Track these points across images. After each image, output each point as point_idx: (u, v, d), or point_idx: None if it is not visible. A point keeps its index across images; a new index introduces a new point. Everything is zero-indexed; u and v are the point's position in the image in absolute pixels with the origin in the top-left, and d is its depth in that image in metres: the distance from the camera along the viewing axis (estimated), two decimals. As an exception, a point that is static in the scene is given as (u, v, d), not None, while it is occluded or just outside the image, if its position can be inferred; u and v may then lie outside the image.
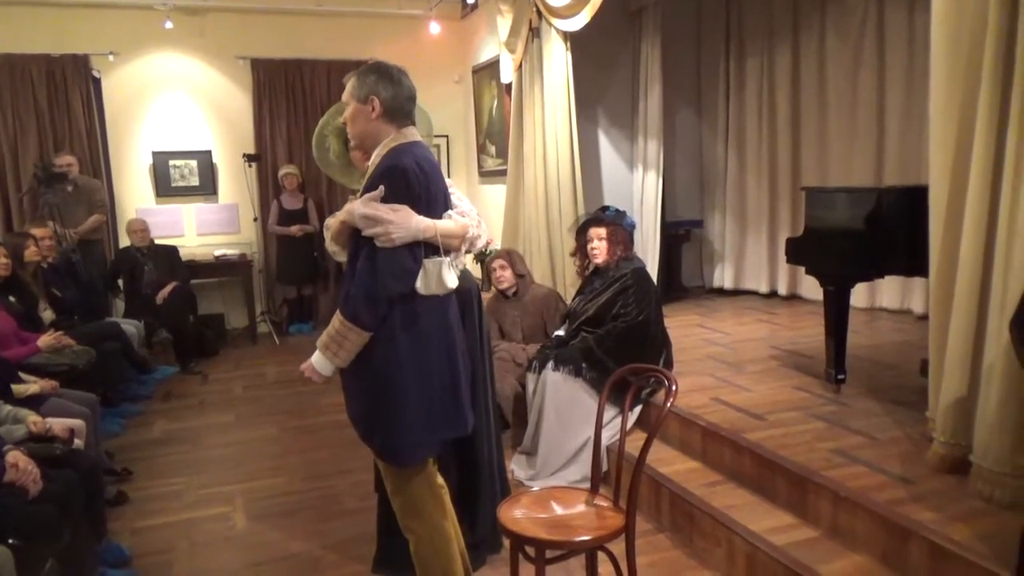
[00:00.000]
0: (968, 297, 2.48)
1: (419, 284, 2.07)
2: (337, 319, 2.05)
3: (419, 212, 2.06)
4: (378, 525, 2.78)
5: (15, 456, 2.49)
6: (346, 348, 2.05)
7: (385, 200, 2.02)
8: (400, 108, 2.15)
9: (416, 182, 2.06)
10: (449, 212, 2.19)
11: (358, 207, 2.03)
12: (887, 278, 4.34)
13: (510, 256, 4.38)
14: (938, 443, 2.63)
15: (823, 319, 3.65)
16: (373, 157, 2.17)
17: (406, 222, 2.02)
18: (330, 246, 2.36)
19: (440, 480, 2.33)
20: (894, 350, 4.28)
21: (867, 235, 3.41)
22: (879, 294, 5.33)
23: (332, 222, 2.31)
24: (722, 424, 3.27)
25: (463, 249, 2.24)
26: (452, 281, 2.13)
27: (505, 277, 4.29)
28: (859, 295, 5.09)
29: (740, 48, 6.28)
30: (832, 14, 5.45)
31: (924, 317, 4.92)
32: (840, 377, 3.58)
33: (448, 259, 2.11)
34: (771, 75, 5.99)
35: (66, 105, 6.58)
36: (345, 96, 2.21)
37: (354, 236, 2.10)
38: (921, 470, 2.68)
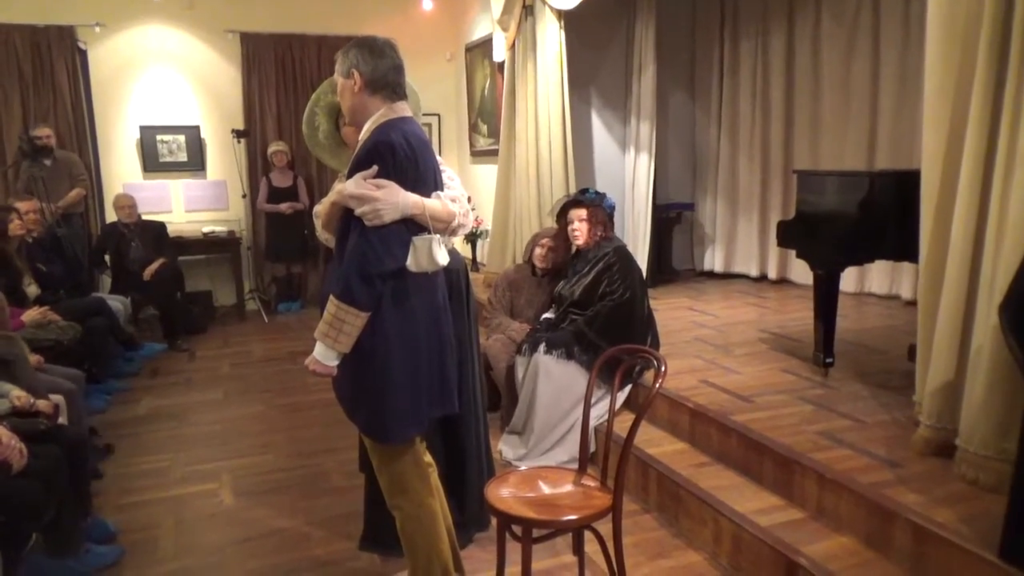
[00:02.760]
0: (958, 282, 2.48)
1: (409, 261, 2.04)
2: (332, 304, 2.00)
3: (407, 189, 2.03)
4: (365, 502, 2.77)
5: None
6: (345, 332, 2.00)
7: (374, 177, 2.00)
8: (382, 79, 2.10)
9: (404, 157, 2.03)
10: (438, 193, 2.15)
11: (349, 187, 2.00)
12: (876, 263, 4.35)
13: (557, 241, 4.11)
14: (924, 427, 2.65)
15: (812, 303, 3.66)
16: (362, 133, 2.13)
17: (393, 198, 1.99)
18: (321, 234, 2.32)
19: (428, 458, 2.33)
20: (882, 335, 4.30)
21: (858, 219, 3.41)
22: (868, 279, 5.35)
23: (321, 209, 2.27)
24: (710, 406, 3.28)
25: (446, 234, 2.21)
26: (443, 258, 2.10)
27: (550, 258, 4.09)
28: (848, 280, 5.10)
29: (734, 30, 6.24)
30: (828, -3, 5.43)
31: (912, 303, 4.94)
32: (828, 361, 3.60)
33: (437, 236, 2.08)
34: (765, 58, 5.97)
35: (51, 77, 6.47)
36: (335, 74, 2.19)
37: (344, 216, 2.07)
38: (906, 453, 2.70)
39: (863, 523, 2.45)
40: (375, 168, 2.00)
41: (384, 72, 2.10)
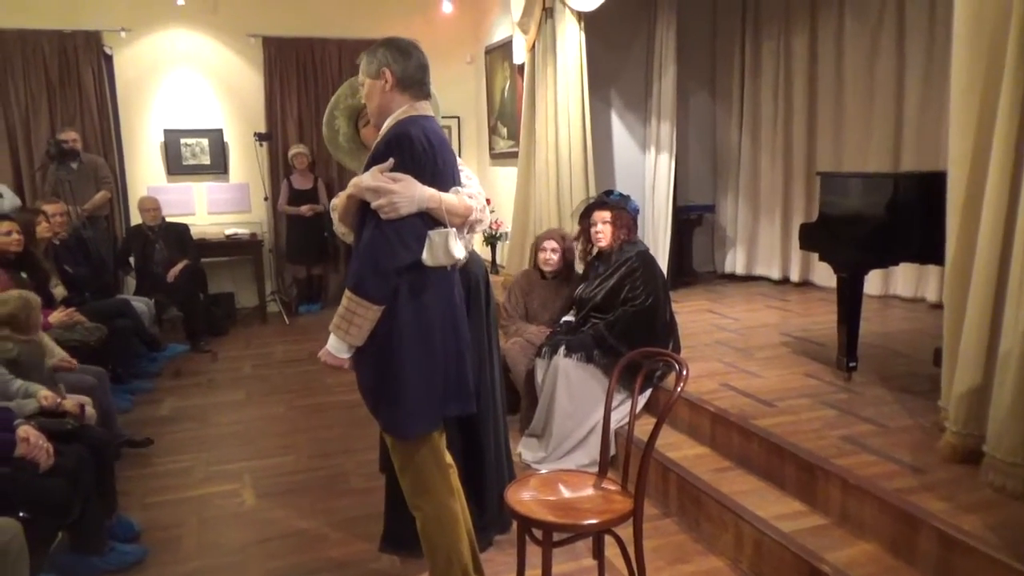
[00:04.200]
0: (985, 285, 2.44)
1: (425, 255, 2.04)
2: (346, 296, 2.01)
3: (424, 183, 2.02)
4: (386, 504, 2.78)
5: (26, 430, 2.50)
6: (357, 324, 2.01)
7: (392, 170, 2.00)
8: (412, 77, 2.12)
9: (421, 151, 2.03)
10: (456, 188, 2.16)
11: (365, 179, 2.00)
12: (901, 265, 4.30)
13: (564, 240, 4.14)
14: (950, 432, 2.61)
15: (835, 306, 3.62)
16: (382, 130, 2.14)
17: (409, 191, 1.98)
18: (338, 228, 2.33)
19: (449, 459, 2.33)
20: (906, 338, 4.24)
21: (883, 222, 3.37)
22: (893, 281, 5.29)
23: (338, 202, 2.27)
24: (731, 410, 3.25)
25: (464, 231, 2.20)
26: (460, 251, 2.09)
27: (553, 261, 4.09)
28: (872, 282, 5.04)
29: (756, 31, 6.19)
30: (851, -3, 5.37)
31: (938, 306, 4.86)
32: (852, 365, 3.55)
33: (454, 230, 2.07)
34: (787, 58, 5.92)
35: (77, 81, 6.57)
36: (360, 76, 2.19)
37: (360, 210, 2.08)
38: (932, 459, 2.65)
39: (888, 530, 2.42)
40: (392, 161, 2.00)
41: (413, 70, 2.12)
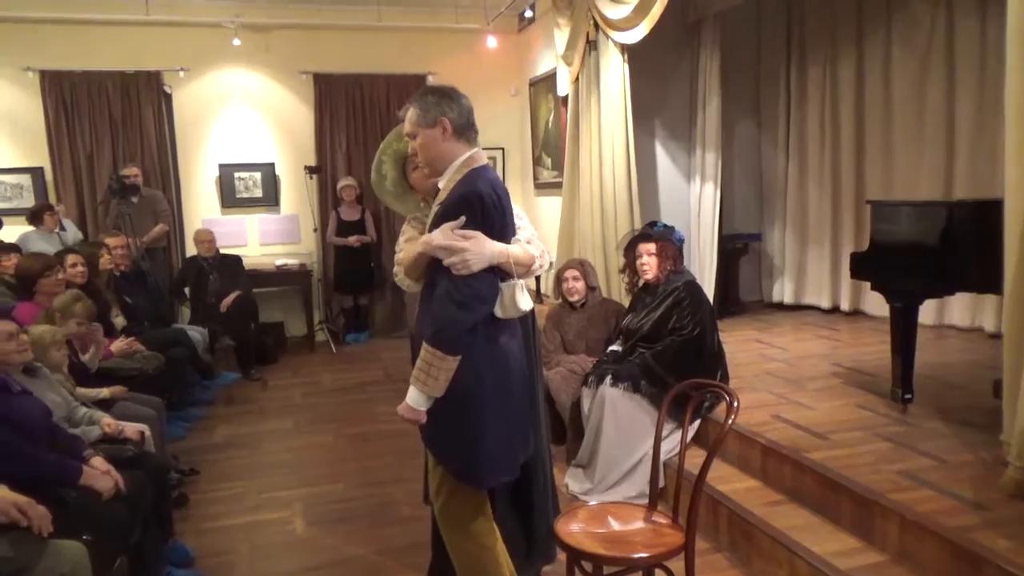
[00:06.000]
0: (1047, 316, 2.38)
1: (496, 308, 2.09)
2: (424, 349, 2.04)
3: (494, 237, 2.07)
4: (433, 534, 2.79)
5: (100, 462, 2.62)
6: (434, 376, 2.03)
7: (462, 227, 2.03)
8: (467, 122, 2.15)
9: (492, 207, 2.07)
10: (518, 238, 2.20)
11: (437, 238, 2.04)
12: (956, 295, 4.19)
13: (584, 267, 4.29)
14: (1014, 468, 2.52)
15: (888, 336, 3.55)
16: (446, 180, 2.16)
17: (481, 249, 2.02)
18: (402, 281, 2.36)
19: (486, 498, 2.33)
20: (963, 369, 4.12)
21: (937, 250, 3.30)
22: (948, 311, 5.15)
23: (404, 256, 2.30)
24: (782, 442, 3.20)
25: (527, 277, 2.24)
26: (526, 303, 2.13)
27: (577, 288, 4.21)
28: (926, 312, 4.92)
29: (802, 58, 6.17)
30: (898, 24, 5.32)
31: (996, 335, 4.74)
32: (907, 397, 3.47)
33: (521, 282, 2.12)
34: (834, 85, 5.87)
35: (139, 119, 6.87)
36: (409, 127, 2.18)
37: (431, 263, 2.12)
38: (994, 495, 2.57)
39: (948, 568, 2.34)
40: (463, 219, 2.03)
41: (467, 115, 2.15)
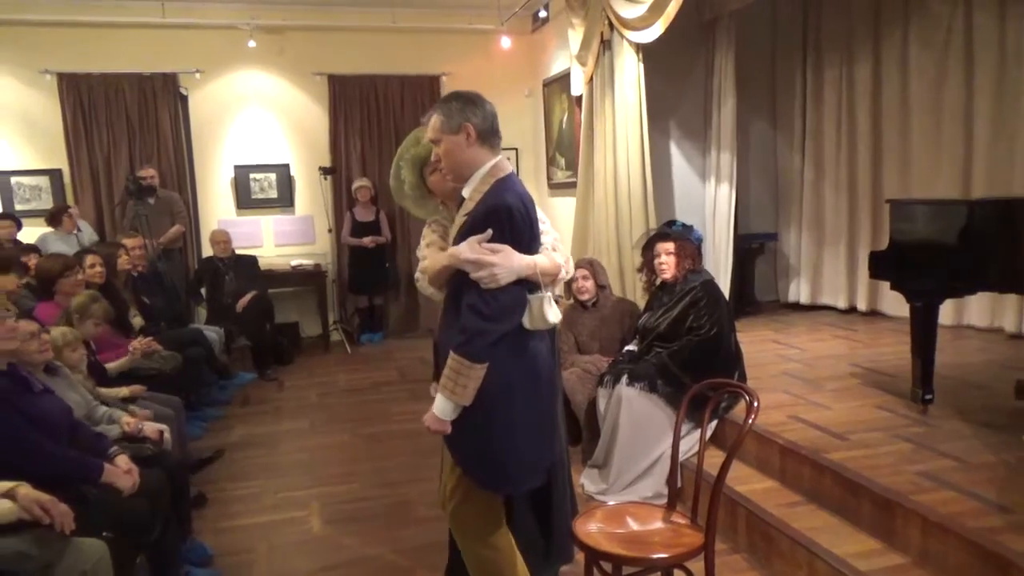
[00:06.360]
0: (1072, 315, 2.35)
1: (525, 320, 2.09)
2: (452, 358, 2.03)
3: (521, 250, 2.06)
4: (450, 535, 2.79)
5: (124, 460, 2.65)
6: (462, 384, 2.02)
7: (490, 240, 2.02)
8: (491, 128, 2.12)
9: (519, 220, 2.05)
10: (544, 243, 2.20)
11: (464, 251, 2.02)
12: (975, 294, 4.15)
13: (592, 266, 4.31)
14: (1038, 469, 2.50)
15: (906, 336, 3.52)
16: (471, 190, 2.13)
17: (509, 262, 2.01)
18: (426, 289, 2.36)
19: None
20: (983, 369, 4.08)
21: (958, 250, 3.27)
22: (967, 311, 5.10)
23: (428, 264, 2.29)
24: (801, 443, 3.17)
25: (554, 285, 2.24)
26: (554, 316, 2.12)
27: (587, 288, 4.22)
28: (945, 312, 4.85)
29: (818, 58, 6.13)
30: (916, 23, 5.28)
31: (1017, 336, 4.70)
32: (928, 397, 3.44)
33: (548, 294, 2.11)
34: (850, 85, 5.83)
35: (155, 121, 6.92)
36: (432, 133, 2.16)
37: (457, 274, 2.10)
38: (1018, 497, 2.54)
39: (973, 571, 2.32)
40: (489, 232, 2.02)
41: (491, 121, 2.13)
